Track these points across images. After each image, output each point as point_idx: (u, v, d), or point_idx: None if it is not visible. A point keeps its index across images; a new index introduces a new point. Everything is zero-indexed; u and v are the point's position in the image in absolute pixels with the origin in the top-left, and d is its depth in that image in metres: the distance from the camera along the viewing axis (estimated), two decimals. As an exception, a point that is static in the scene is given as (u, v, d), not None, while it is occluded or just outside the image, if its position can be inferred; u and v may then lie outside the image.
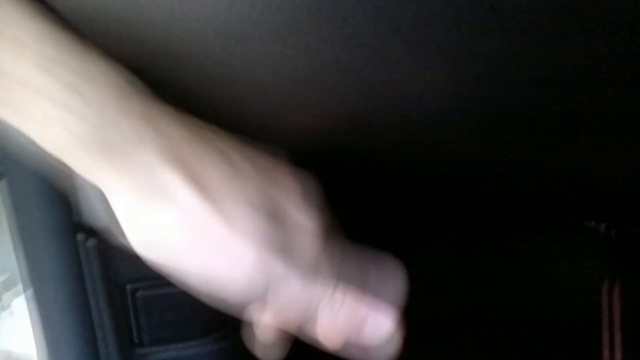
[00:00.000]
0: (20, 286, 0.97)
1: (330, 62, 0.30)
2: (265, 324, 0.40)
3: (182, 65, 0.37)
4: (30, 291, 0.53)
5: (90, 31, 0.32)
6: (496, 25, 0.26)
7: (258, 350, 0.42)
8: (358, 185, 0.70)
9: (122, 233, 0.35)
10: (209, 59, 0.35)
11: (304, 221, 0.38)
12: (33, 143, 0.31)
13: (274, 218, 0.36)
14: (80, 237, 0.48)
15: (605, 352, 0.68)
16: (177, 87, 0.38)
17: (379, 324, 0.39)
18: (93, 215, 0.46)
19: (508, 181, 0.70)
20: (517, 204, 0.88)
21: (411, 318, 0.37)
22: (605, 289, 0.80)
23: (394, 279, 0.42)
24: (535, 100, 0.32)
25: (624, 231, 0.83)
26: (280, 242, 0.35)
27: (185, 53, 0.35)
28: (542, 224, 0.90)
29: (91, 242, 0.48)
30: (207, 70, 0.36)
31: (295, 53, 0.30)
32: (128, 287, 0.51)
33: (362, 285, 0.39)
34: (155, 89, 0.32)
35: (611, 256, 0.84)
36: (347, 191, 0.80)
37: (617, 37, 0.27)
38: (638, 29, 0.26)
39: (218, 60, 0.35)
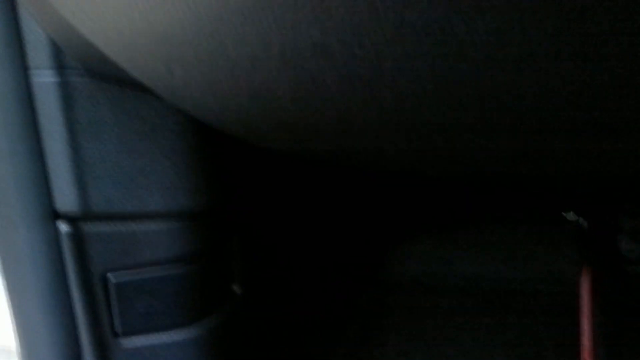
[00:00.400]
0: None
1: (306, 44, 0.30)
2: None
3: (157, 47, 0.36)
4: (6, 280, 0.52)
5: None
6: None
7: None
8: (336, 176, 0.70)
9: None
10: (185, 41, 0.34)
11: None
12: None
13: None
14: (59, 224, 0.48)
15: (585, 341, 0.70)
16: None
17: None
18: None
19: (488, 175, 0.71)
20: (497, 197, 0.90)
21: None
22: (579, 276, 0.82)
23: None
24: (513, 92, 0.32)
25: (594, 220, 0.85)
26: None
27: (157, 34, 0.35)
28: (521, 216, 0.92)
29: (69, 229, 0.48)
30: (181, 51, 0.36)
31: (269, 34, 0.30)
32: (109, 275, 0.51)
33: None
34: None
35: (581, 244, 0.86)
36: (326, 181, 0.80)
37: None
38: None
39: (194, 40, 0.34)
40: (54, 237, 0.48)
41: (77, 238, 0.49)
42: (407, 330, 0.90)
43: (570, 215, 0.86)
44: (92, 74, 0.44)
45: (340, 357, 0.88)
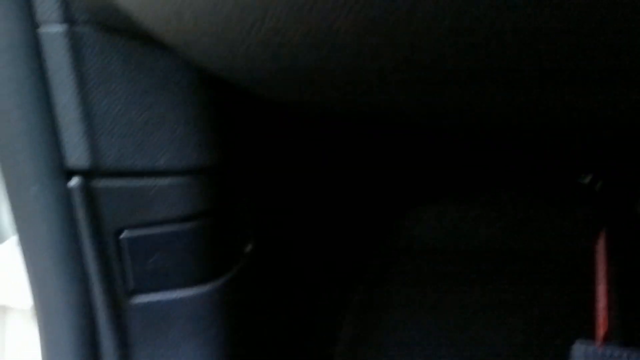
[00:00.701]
0: (4, 232, 0.97)
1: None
2: None
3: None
4: (18, 236, 0.52)
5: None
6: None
7: None
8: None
9: None
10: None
11: None
12: None
13: None
14: (70, 180, 0.47)
15: (600, 305, 0.70)
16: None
17: None
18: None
19: (503, 135, 0.70)
20: (510, 160, 0.90)
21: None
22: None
23: None
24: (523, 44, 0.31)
25: (611, 183, 0.84)
26: None
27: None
28: (535, 179, 0.91)
29: (80, 184, 0.48)
30: None
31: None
32: (121, 231, 0.51)
33: None
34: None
35: (597, 207, 0.85)
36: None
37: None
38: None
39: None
40: (65, 193, 0.48)
41: (89, 193, 0.48)
42: (415, 296, 0.90)
43: (587, 179, 0.85)
44: (101, 26, 0.44)
45: (347, 321, 0.88)
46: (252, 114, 0.59)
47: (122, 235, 0.51)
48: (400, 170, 0.93)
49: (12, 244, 0.91)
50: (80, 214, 0.49)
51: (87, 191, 0.48)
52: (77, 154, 0.47)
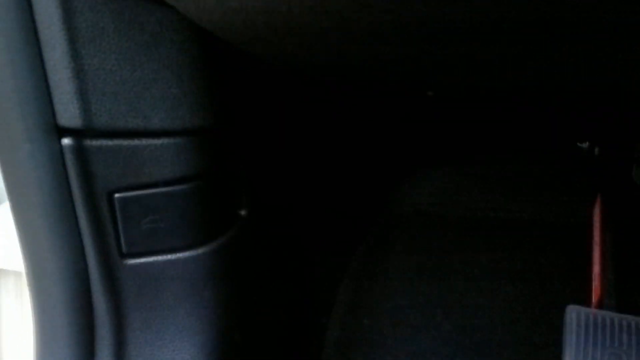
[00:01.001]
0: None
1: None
2: None
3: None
4: (10, 198, 0.52)
5: None
6: None
7: None
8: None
9: None
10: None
11: None
12: None
13: None
14: (63, 140, 0.47)
15: (595, 270, 0.70)
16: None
17: None
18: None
19: (502, 98, 0.70)
20: (507, 126, 0.89)
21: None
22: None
23: None
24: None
25: (608, 149, 0.84)
26: None
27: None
28: (533, 145, 0.90)
29: (72, 145, 0.47)
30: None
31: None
32: (114, 193, 0.50)
33: None
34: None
35: (595, 173, 0.85)
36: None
37: None
38: None
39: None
40: (58, 152, 0.47)
41: (81, 153, 0.48)
42: (412, 262, 0.91)
43: (585, 144, 0.85)
44: (92, -20, 0.43)
45: (344, 288, 0.89)
46: (248, 75, 0.59)
47: (116, 196, 0.51)
48: (398, 135, 0.93)
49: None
50: (73, 174, 0.48)
51: (80, 151, 0.47)
52: (69, 112, 0.46)
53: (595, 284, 0.69)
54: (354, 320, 0.87)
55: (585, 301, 0.66)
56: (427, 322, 0.85)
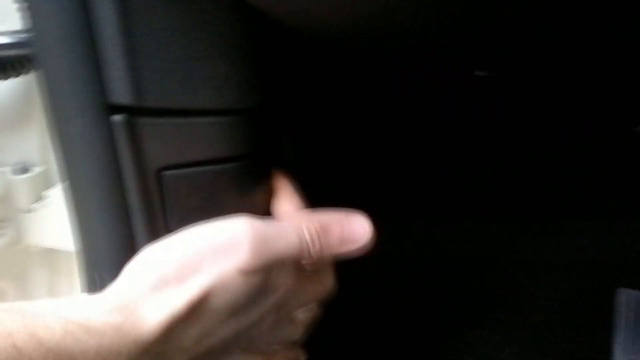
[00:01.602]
0: (53, 177, 0.98)
1: None
2: None
3: None
4: (66, 180, 0.53)
5: None
6: None
7: None
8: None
9: None
10: None
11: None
12: None
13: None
14: (113, 117, 0.48)
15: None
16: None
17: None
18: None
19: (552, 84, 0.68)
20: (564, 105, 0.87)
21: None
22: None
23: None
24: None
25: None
26: None
27: None
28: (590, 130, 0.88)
29: (123, 122, 0.48)
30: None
31: None
32: (163, 171, 0.51)
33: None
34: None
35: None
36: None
37: None
38: None
39: None
40: (109, 129, 0.48)
41: (131, 131, 0.49)
42: (466, 252, 0.89)
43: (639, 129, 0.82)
44: (142, -43, 0.43)
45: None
46: (295, 56, 0.59)
47: (164, 174, 0.51)
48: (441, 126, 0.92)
49: (60, 188, 0.93)
50: (123, 150, 0.49)
51: (130, 128, 0.48)
52: (119, 90, 0.47)
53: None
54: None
55: (638, 287, 0.65)
56: (481, 311, 0.84)
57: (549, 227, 0.89)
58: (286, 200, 0.52)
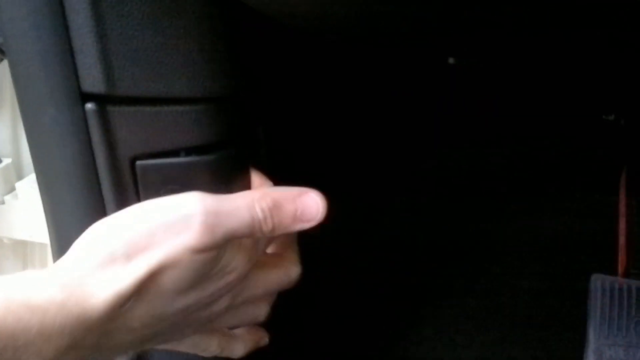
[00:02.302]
0: (24, 169, 0.97)
1: None
2: None
3: None
4: (38, 171, 0.52)
5: None
6: None
7: None
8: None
9: None
10: None
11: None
12: None
13: None
14: (86, 105, 0.47)
15: (622, 240, 0.69)
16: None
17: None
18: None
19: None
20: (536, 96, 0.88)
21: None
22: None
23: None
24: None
25: (633, 121, 0.83)
26: None
27: None
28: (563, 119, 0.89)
29: (96, 110, 0.47)
30: None
31: None
32: (136, 160, 0.51)
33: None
34: None
35: (620, 145, 0.84)
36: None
37: None
38: None
39: None
40: (82, 118, 0.48)
41: (104, 119, 0.48)
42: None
43: (611, 117, 0.84)
44: (114, -56, 0.43)
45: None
46: (269, 43, 0.59)
47: (138, 164, 0.51)
48: (417, 115, 0.92)
49: (32, 179, 0.92)
50: (96, 139, 0.48)
51: (103, 116, 0.48)
52: (92, 78, 0.46)
53: (621, 255, 0.68)
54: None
55: (611, 273, 0.66)
56: (449, 298, 0.85)
57: (524, 208, 0.90)
58: None
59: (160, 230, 0.42)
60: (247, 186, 0.54)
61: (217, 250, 0.44)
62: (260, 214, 0.45)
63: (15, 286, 0.39)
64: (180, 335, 0.49)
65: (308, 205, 0.48)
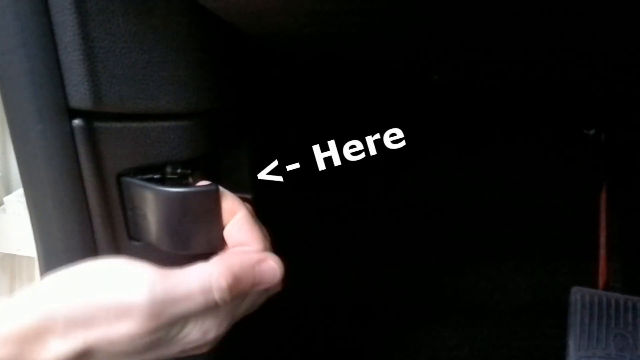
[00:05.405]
0: (13, 183, 0.97)
1: None
2: None
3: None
4: (26, 185, 0.53)
5: None
6: None
7: None
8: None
9: None
10: None
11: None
12: None
13: None
14: (73, 121, 0.48)
15: (602, 251, 0.70)
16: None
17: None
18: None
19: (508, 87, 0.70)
20: (519, 111, 0.89)
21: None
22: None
23: None
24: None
25: (613, 136, 0.84)
26: None
27: None
28: (545, 133, 0.90)
29: (82, 126, 0.48)
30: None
31: None
32: (122, 176, 0.51)
33: None
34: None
35: (601, 159, 0.85)
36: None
37: None
38: None
39: None
40: (69, 134, 0.48)
41: (91, 136, 0.49)
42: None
43: (591, 131, 0.85)
44: (101, -35, 0.44)
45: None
46: (254, 60, 0.59)
47: (124, 180, 0.51)
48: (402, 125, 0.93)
49: (20, 193, 0.92)
50: (83, 155, 0.49)
51: (90, 132, 0.48)
52: (79, 94, 0.47)
53: (602, 267, 0.69)
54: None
55: (591, 285, 0.66)
56: (437, 311, 0.85)
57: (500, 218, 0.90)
58: (239, 227, 0.51)
59: (102, 312, 0.42)
60: (217, 216, 0.53)
61: (163, 330, 0.44)
62: (216, 295, 0.45)
63: None
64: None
65: (265, 272, 0.49)
